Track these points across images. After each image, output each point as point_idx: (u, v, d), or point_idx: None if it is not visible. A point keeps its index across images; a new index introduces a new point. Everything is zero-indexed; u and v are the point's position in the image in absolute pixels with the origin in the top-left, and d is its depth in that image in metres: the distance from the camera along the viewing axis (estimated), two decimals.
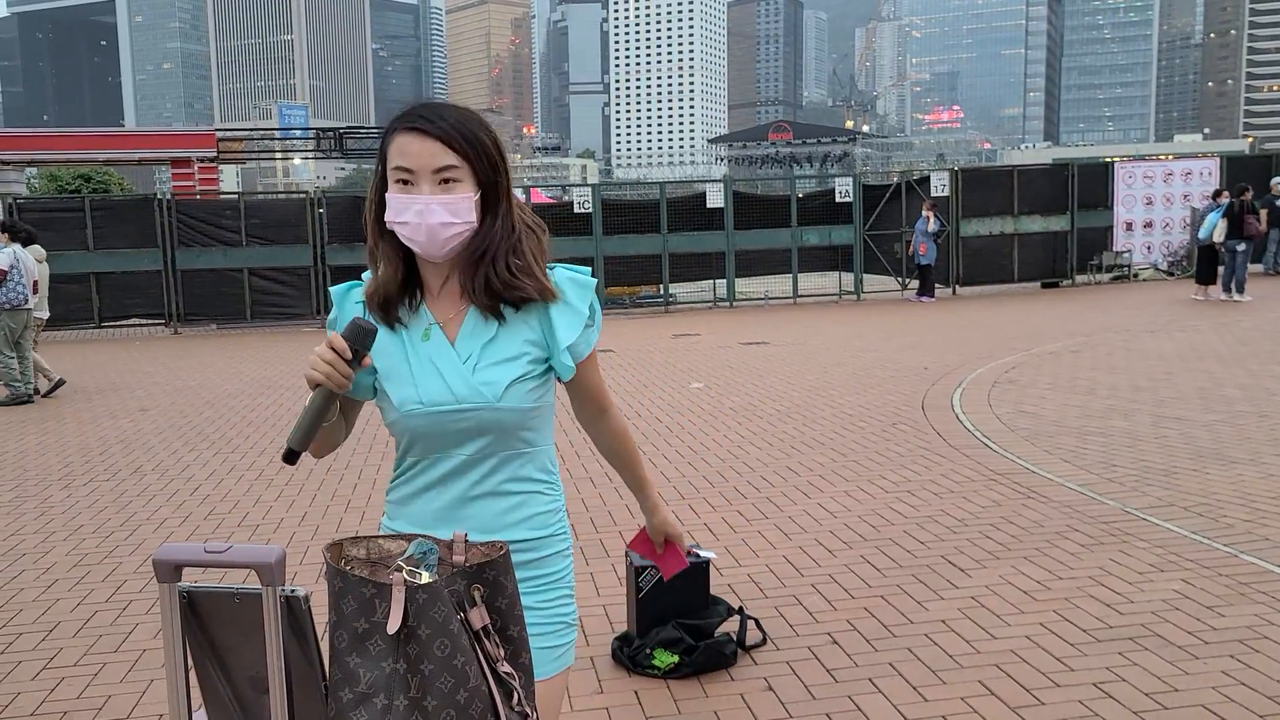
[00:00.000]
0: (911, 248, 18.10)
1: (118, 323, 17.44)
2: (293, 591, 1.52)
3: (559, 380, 1.82)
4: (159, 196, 17.58)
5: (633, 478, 2.00)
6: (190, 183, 30.79)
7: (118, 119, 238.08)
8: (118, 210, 17.59)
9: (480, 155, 1.71)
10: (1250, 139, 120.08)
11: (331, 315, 1.88)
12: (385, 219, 1.72)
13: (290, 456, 1.64)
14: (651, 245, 18.21)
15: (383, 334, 1.75)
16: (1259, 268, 18.66)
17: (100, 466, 7.24)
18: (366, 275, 1.83)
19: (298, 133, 50.54)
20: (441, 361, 1.73)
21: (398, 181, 1.70)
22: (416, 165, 1.68)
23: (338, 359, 1.62)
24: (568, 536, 1.86)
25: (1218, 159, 20.43)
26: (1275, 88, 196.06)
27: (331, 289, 1.88)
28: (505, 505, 1.77)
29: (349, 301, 1.85)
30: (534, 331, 1.76)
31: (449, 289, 1.78)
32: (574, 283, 1.80)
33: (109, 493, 6.48)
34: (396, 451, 1.82)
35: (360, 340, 1.65)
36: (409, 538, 1.68)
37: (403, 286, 1.77)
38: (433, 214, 1.68)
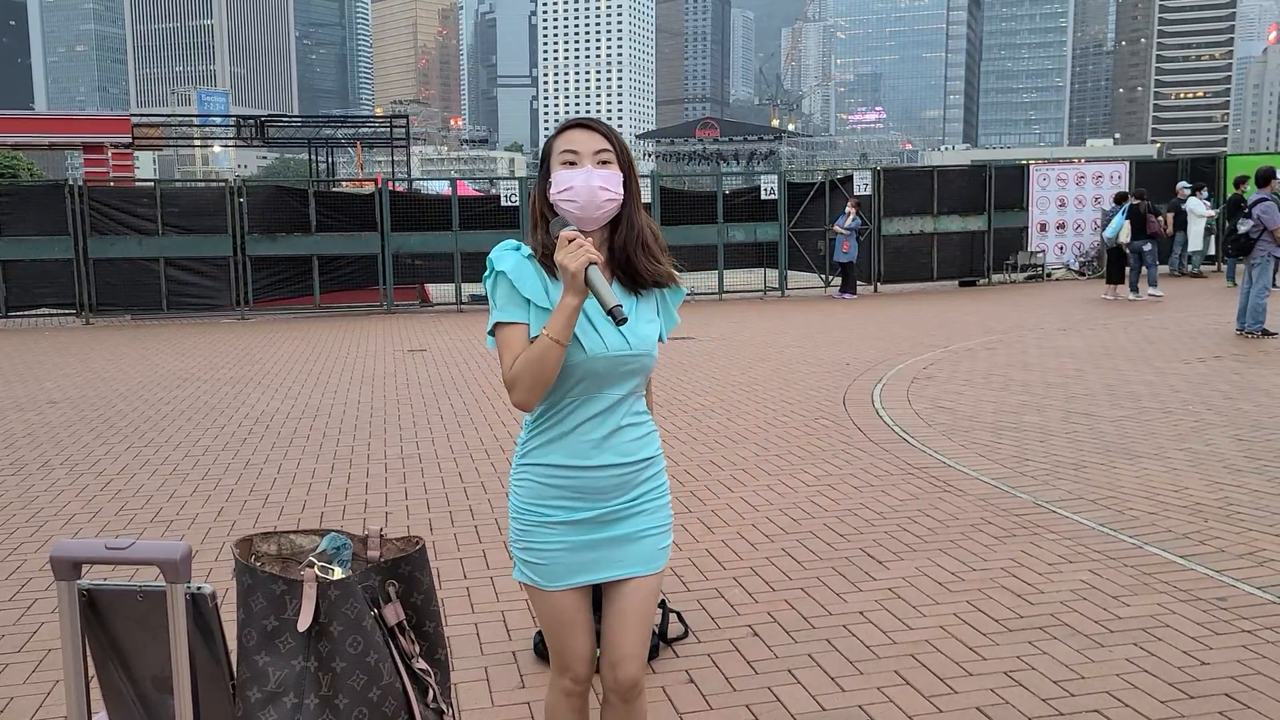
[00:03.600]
0: (848, 244, 18.07)
1: (26, 312, 16.83)
2: (199, 589, 1.48)
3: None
4: (70, 183, 16.97)
5: None
6: (104, 169, 29.79)
7: (27, 101, 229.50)
8: (27, 196, 17.00)
9: (623, 151, 2.19)
10: (1158, 144, 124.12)
11: (500, 270, 2.16)
12: (550, 195, 2.16)
13: (621, 310, 1.99)
14: None
15: (554, 291, 2.14)
16: (1165, 269, 19.32)
17: (5, 460, 6.98)
18: (516, 245, 2.23)
19: (217, 120, 49.31)
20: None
21: (564, 164, 2.15)
22: (581, 149, 2.15)
23: (581, 240, 2.04)
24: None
25: (1127, 163, 21.08)
26: (1182, 95, 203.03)
27: (495, 253, 2.19)
28: (638, 433, 2.25)
29: (515, 255, 2.19)
30: (655, 305, 2.28)
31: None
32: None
33: (14, 488, 6.26)
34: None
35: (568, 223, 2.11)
36: (321, 533, 1.65)
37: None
38: (593, 178, 2.13)
